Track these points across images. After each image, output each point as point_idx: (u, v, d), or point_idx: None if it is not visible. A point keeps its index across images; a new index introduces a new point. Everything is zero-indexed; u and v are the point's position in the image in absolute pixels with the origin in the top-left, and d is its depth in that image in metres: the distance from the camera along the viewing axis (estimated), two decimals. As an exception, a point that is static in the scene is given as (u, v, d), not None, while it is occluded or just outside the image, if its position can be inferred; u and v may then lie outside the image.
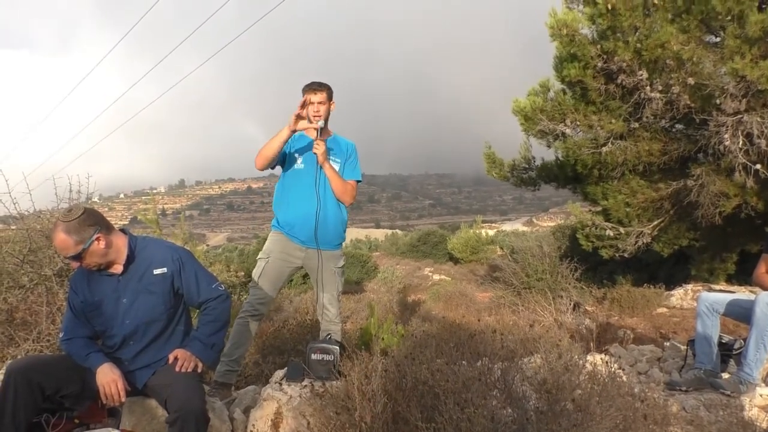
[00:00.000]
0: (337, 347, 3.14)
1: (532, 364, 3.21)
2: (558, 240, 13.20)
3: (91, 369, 2.58)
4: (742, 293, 4.53)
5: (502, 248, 21.28)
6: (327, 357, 3.10)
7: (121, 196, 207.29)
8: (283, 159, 3.69)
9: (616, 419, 2.24)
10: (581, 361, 2.63)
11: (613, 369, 2.60)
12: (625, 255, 8.95)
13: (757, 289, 3.97)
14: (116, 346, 2.74)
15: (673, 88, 6.89)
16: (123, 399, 2.55)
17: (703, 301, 3.75)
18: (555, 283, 10.32)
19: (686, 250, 9.44)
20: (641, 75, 7.10)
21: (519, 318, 7.79)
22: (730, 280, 9.42)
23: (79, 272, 2.75)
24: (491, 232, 28.19)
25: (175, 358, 2.66)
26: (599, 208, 9.39)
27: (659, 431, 2.43)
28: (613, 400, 2.33)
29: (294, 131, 3.48)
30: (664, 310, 8.28)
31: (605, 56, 7.39)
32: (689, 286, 8.94)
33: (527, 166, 10.07)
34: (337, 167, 3.69)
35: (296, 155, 3.68)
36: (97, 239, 2.57)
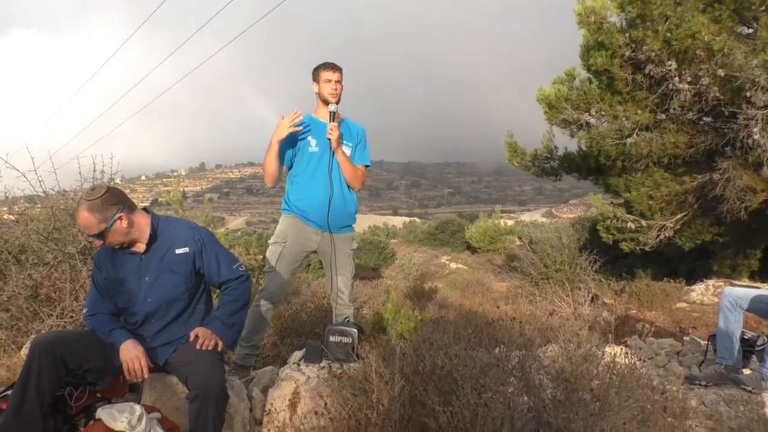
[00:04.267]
0: (356, 330, 3.14)
1: (550, 353, 3.20)
2: (577, 232, 13.08)
3: (114, 345, 2.63)
4: (766, 289, 4.45)
5: (520, 238, 21.15)
6: (345, 339, 3.11)
7: (143, 177, 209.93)
8: (293, 154, 3.66)
9: (634, 410, 2.23)
10: (600, 352, 2.61)
11: (632, 360, 2.58)
12: (646, 248, 8.83)
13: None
14: (138, 324, 2.78)
15: (702, 79, 6.75)
16: (146, 375, 2.59)
17: (727, 296, 3.69)
18: (573, 274, 10.26)
19: (709, 245, 9.29)
20: (670, 65, 6.96)
21: (536, 308, 7.76)
22: (753, 276, 9.27)
23: (102, 250, 2.79)
24: (510, 223, 28.01)
25: (196, 336, 2.69)
26: (621, 200, 9.28)
27: (677, 424, 2.40)
28: (631, 391, 2.31)
29: (280, 139, 3.46)
30: (684, 305, 8.19)
31: (634, 45, 7.25)
32: (710, 282, 8.83)
33: (549, 155, 9.97)
34: (348, 152, 3.67)
35: (309, 138, 3.62)
36: (120, 218, 2.60)
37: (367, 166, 3.81)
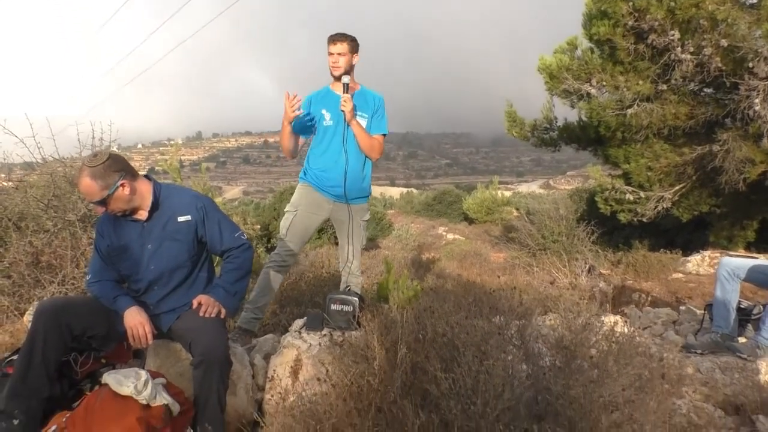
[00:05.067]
0: (357, 299, 3.18)
1: (549, 322, 3.24)
2: (575, 203, 13.09)
3: (118, 311, 2.65)
4: (763, 259, 4.49)
5: (517, 209, 21.18)
6: (346, 308, 3.14)
7: (139, 146, 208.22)
8: (310, 124, 3.70)
9: (632, 377, 2.26)
10: (598, 323, 2.64)
11: (631, 329, 2.61)
12: (644, 219, 8.88)
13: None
14: (141, 291, 2.80)
15: (705, 49, 6.70)
16: (150, 342, 2.62)
17: (725, 266, 3.72)
18: (571, 245, 10.30)
19: (706, 216, 9.33)
20: (673, 35, 6.90)
21: (533, 278, 7.82)
22: (749, 247, 9.33)
23: (105, 217, 2.79)
24: (507, 194, 27.99)
25: (199, 304, 2.71)
26: (620, 172, 9.28)
27: (674, 390, 2.45)
28: (630, 359, 2.34)
29: (291, 120, 3.49)
30: (680, 275, 8.26)
31: (637, 14, 7.17)
32: (706, 253, 8.88)
33: (549, 126, 9.94)
34: (364, 123, 3.67)
35: (324, 111, 3.66)
36: (122, 185, 2.59)
37: (384, 134, 3.81)
